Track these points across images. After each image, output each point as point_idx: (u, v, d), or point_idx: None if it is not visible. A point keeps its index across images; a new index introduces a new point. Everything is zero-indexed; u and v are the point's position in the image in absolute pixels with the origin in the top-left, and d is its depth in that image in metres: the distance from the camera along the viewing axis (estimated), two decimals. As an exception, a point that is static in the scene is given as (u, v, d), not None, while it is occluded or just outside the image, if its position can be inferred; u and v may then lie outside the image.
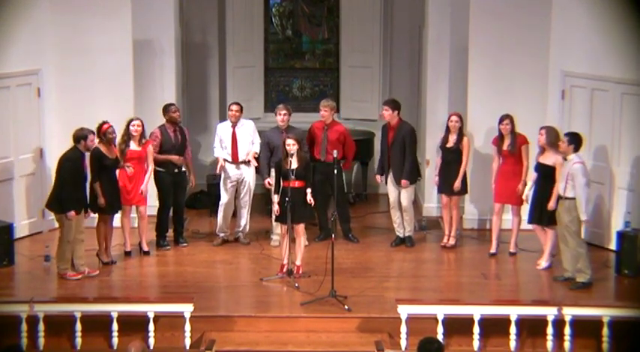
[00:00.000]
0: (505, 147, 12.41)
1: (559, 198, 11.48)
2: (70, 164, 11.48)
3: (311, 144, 13.05)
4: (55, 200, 11.59)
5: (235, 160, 12.90)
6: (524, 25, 13.20)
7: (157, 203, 12.87)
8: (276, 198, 11.79)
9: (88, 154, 11.70)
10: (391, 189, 12.92)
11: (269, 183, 12.51)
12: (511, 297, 11.23)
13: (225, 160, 12.87)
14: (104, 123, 11.92)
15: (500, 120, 12.39)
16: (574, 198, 11.32)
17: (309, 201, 11.67)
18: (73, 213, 11.49)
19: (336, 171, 11.76)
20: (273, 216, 12.33)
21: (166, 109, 12.79)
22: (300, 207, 11.64)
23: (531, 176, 12.18)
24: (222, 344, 10.33)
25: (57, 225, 11.82)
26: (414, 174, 12.81)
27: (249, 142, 12.94)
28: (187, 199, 14.54)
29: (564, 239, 11.51)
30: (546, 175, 11.79)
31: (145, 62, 13.85)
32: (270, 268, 12.12)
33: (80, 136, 11.55)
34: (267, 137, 12.84)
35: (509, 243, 12.58)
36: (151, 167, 12.44)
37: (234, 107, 12.96)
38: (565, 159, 11.43)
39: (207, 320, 10.65)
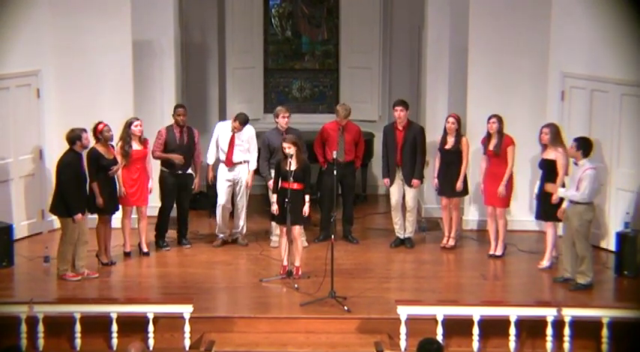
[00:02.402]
0: (491, 147, 12.40)
1: (570, 202, 11.43)
2: (69, 168, 11.48)
3: (322, 145, 13.06)
4: (58, 204, 11.57)
5: (229, 165, 12.88)
6: (523, 26, 13.20)
7: (159, 203, 12.89)
8: (274, 197, 11.78)
9: (85, 153, 11.69)
10: (394, 191, 12.91)
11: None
12: (510, 298, 11.23)
13: (217, 162, 12.86)
14: (99, 123, 11.90)
15: (488, 119, 12.40)
16: (585, 203, 11.29)
17: (305, 211, 11.66)
18: (80, 215, 11.51)
19: (335, 173, 11.76)
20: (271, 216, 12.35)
21: (174, 110, 12.81)
22: (297, 210, 11.63)
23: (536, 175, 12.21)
24: (222, 345, 10.33)
25: (57, 226, 11.79)
26: (422, 174, 12.86)
27: (246, 149, 12.93)
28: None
29: (570, 241, 11.46)
30: (550, 171, 11.79)
31: (145, 63, 13.85)
32: (270, 269, 12.13)
33: (74, 137, 11.54)
34: (268, 139, 12.84)
35: (498, 245, 12.55)
36: (151, 165, 12.49)
37: (236, 123, 12.77)
38: (576, 164, 11.40)
39: (206, 321, 10.64)
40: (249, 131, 13.02)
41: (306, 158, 12.03)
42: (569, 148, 11.52)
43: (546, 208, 11.87)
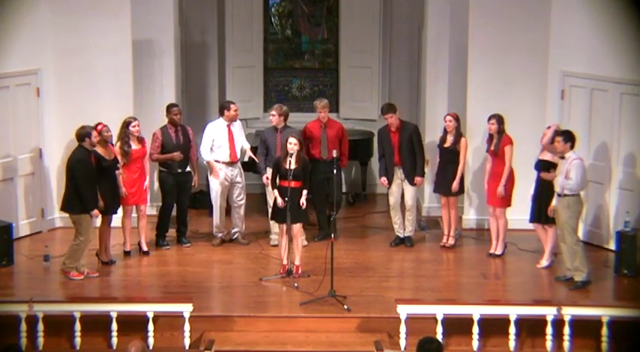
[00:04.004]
0: (491, 147, 12.41)
1: (558, 195, 11.47)
2: (81, 165, 11.48)
3: (307, 144, 13.07)
4: (70, 201, 11.56)
5: (234, 159, 12.89)
6: (523, 25, 13.20)
7: (159, 202, 12.89)
8: (276, 192, 11.72)
9: (94, 151, 11.70)
10: (393, 190, 12.91)
11: (267, 177, 12.52)
12: (510, 297, 11.23)
13: (216, 161, 12.84)
14: (97, 124, 11.90)
15: (488, 120, 12.40)
16: (572, 195, 11.32)
17: (301, 203, 11.64)
18: (97, 211, 11.54)
19: (335, 171, 11.76)
20: (270, 215, 12.35)
21: (169, 110, 12.78)
22: (296, 208, 11.63)
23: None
24: (222, 344, 10.33)
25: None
26: (424, 171, 12.87)
27: (240, 144, 12.99)
28: (187, 199, 14.57)
29: (563, 237, 11.50)
30: (546, 171, 11.78)
31: (145, 62, 13.85)
32: (270, 268, 12.13)
33: (83, 134, 11.55)
34: (264, 135, 12.94)
35: (497, 244, 12.55)
36: (149, 164, 12.49)
37: (236, 107, 12.91)
38: (562, 157, 11.43)
39: (206, 320, 10.65)
40: (238, 125, 13.05)
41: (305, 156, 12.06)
42: (555, 143, 11.52)
43: (542, 211, 11.84)
